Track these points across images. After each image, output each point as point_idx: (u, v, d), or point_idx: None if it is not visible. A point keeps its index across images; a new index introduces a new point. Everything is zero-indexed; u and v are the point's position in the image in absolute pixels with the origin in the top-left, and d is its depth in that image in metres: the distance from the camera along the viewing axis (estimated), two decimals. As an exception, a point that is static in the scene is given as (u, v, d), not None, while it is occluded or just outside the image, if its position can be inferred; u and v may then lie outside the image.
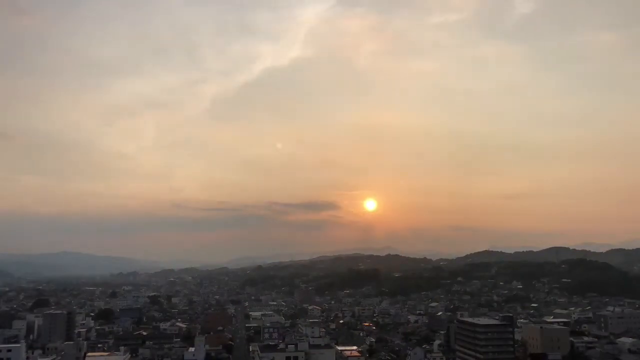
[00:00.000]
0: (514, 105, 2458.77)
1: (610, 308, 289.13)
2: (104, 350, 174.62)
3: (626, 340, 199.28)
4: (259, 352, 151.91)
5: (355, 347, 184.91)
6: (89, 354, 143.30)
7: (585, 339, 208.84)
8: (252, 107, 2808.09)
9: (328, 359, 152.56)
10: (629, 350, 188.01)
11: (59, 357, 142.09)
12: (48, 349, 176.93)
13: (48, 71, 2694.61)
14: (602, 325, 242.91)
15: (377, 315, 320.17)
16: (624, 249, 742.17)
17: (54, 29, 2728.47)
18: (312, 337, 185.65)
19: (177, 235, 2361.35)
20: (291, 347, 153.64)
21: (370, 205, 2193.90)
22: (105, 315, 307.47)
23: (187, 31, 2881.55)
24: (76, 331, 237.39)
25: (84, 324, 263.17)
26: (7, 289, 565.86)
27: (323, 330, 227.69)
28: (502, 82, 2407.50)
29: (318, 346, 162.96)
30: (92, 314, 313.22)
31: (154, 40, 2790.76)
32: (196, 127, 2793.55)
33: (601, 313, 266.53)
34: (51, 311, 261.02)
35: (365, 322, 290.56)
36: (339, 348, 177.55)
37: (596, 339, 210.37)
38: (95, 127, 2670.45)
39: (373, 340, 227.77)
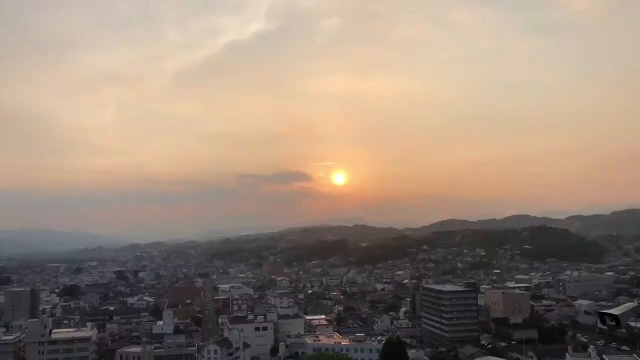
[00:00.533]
0: (486, 73, 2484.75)
1: (568, 272, 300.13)
2: (70, 327, 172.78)
3: (583, 302, 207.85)
4: (229, 323, 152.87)
5: (323, 316, 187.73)
6: (55, 330, 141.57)
7: (545, 302, 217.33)
8: (216, 81, 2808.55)
9: (297, 329, 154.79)
10: (585, 312, 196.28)
11: (24, 335, 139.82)
12: (12, 326, 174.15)
13: (5, 46, 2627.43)
14: (561, 289, 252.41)
15: (344, 285, 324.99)
16: (582, 215, 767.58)
17: (11, 3, 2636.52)
18: (281, 308, 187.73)
19: (143, 209, 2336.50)
20: (260, 318, 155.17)
21: (339, 175, 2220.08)
22: (70, 292, 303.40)
23: (147, 6, 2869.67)
24: (41, 308, 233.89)
25: (48, 300, 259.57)
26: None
27: (292, 300, 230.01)
28: (476, 49, 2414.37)
29: (287, 316, 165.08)
30: (57, 291, 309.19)
31: (113, 15, 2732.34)
32: (160, 101, 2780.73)
33: (560, 277, 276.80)
34: (14, 289, 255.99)
35: (334, 292, 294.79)
36: (308, 317, 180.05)
37: (555, 302, 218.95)
38: (55, 102, 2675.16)
39: (341, 309, 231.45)
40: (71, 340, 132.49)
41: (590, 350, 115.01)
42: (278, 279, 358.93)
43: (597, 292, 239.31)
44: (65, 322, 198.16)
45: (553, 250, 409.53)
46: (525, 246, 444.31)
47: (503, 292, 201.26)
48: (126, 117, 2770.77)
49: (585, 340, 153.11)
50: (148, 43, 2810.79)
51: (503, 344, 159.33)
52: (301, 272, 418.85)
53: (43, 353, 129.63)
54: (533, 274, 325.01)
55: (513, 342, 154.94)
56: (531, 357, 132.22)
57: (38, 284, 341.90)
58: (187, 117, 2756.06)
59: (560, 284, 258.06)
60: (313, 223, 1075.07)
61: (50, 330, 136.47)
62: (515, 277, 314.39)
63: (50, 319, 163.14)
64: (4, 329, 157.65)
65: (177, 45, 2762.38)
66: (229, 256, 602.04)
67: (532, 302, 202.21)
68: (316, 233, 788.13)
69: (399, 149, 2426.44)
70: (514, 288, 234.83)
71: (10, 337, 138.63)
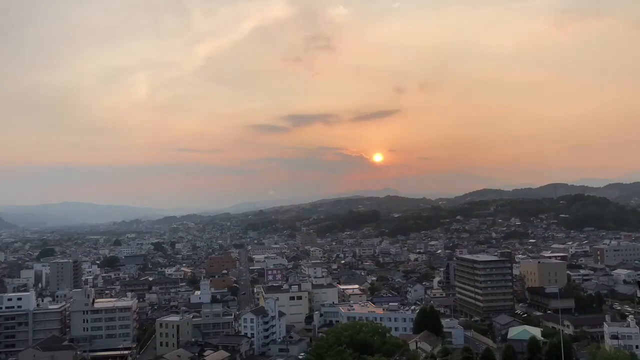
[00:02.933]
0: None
1: (607, 241, 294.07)
2: (111, 296, 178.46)
3: (621, 272, 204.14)
4: (264, 293, 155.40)
5: (357, 286, 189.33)
6: (97, 300, 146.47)
7: (582, 271, 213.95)
8: (246, 62, 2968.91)
9: (331, 298, 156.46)
10: (624, 281, 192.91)
11: (69, 304, 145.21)
12: (57, 296, 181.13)
13: (50, 38, 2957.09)
14: (599, 258, 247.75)
15: (377, 255, 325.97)
16: (622, 183, 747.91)
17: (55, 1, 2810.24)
18: (315, 278, 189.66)
19: (178, 184, 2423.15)
20: (295, 287, 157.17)
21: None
22: (110, 263, 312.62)
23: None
24: (83, 278, 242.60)
25: (90, 271, 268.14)
26: (12, 239, 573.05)
27: (325, 270, 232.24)
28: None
29: (321, 286, 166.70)
30: (98, 262, 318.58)
31: (147, 8, 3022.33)
32: (193, 83, 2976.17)
33: (598, 246, 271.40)
34: (58, 260, 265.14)
35: (366, 262, 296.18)
36: (341, 287, 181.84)
37: (592, 272, 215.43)
38: (95, 87, 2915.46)
39: (374, 279, 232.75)
40: (113, 310, 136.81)
41: (629, 319, 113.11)
42: (311, 249, 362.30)
43: (636, 262, 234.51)
44: (107, 292, 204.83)
45: (591, 219, 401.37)
46: (562, 215, 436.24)
47: (539, 262, 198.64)
48: (161, 99, 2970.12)
49: (624, 309, 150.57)
50: (179, 31, 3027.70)
51: (538, 313, 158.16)
52: (334, 243, 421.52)
53: (87, 321, 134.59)
54: (570, 243, 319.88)
55: (549, 312, 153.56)
56: (567, 326, 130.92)
57: (80, 255, 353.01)
58: (220, 97, 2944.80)
59: (598, 253, 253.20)
60: (345, 194, 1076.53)
61: (93, 300, 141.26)
62: (551, 246, 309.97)
63: (93, 289, 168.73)
64: (49, 299, 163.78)
65: (206, 33, 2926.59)
66: (262, 227, 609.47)
67: (568, 272, 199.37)
68: (347, 204, 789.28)
69: (436, 118, 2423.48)
70: (549, 257, 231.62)
71: (56, 306, 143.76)
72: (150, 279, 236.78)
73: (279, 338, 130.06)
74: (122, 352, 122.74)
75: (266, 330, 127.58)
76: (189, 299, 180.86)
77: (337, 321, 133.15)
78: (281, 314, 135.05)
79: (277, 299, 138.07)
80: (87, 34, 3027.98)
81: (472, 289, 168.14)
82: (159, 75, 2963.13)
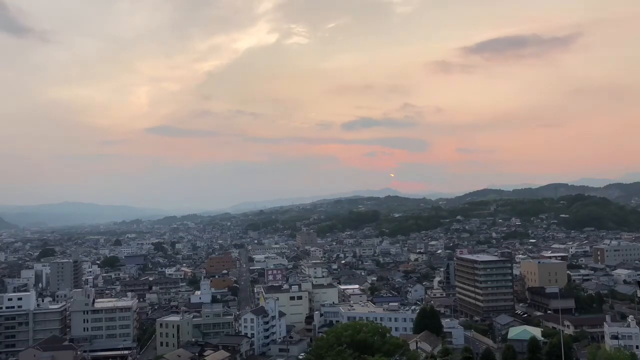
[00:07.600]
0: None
1: (607, 241, 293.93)
2: (111, 296, 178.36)
3: (622, 272, 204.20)
4: (264, 293, 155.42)
5: (357, 286, 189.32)
6: (98, 300, 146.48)
7: (582, 271, 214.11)
8: (241, 77, 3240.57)
9: (331, 298, 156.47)
10: (624, 281, 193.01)
11: (69, 304, 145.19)
12: (58, 296, 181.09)
13: (63, 63, 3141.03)
14: (599, 258, 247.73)
15: (377, 255, 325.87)
16: (622, 184, 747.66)
17: (64, 28, 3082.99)
18: (315, 278, 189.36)
19: (177, 184, 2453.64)
20: (295, 287, 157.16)
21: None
22: (110, 263, 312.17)
23: (180, 24, 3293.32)
24: (83, 278, 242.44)
25: (90, 271, 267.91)
26: (12, 239, 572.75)
27: (325, 270, 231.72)
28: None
29: (321, 286, 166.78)
30: (98, 262, 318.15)
31: (153, 33, 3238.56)
32: (196, 97, 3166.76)
33: (598, 246, 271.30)
34: (58, 260, 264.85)
35: (367, 262, 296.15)
36: (342, 287, 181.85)
37: (592, 272, 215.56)
38: (101, 99, 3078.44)
39: (374, 279, 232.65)
40: (113, 310, 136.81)
41: (629, 319, 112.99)
42: (312, 249, 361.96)
43: (637, 262, 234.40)
44: (107, 292, 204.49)
45: (591, 219, 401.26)
46: (562, 215, 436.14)
47: (539, 262, 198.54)
48: (164, 111, 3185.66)
49: (624, 309, 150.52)
50: (182, 52, 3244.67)
51: (538, 313, 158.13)
52: (334, 243, 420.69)
53: (87, 321, 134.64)
54: (570, 243, 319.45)
55: (549, 312, 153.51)
56: (567, 326, 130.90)
57: (80, 255, 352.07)
58: (223, 108, 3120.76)
59: (598, 253, 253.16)
60: (345, 194, 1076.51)
61: (94, 300, 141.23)
62: (552, 246, 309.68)
63: (93, 289, 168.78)
64: (50, 299, 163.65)
65: (206, 53, 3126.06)
66: (263, 227, 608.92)
67: (568, 272, 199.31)
68: (348, 204, 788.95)
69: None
70: (550, 257, 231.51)
71: (57, 306, 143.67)
72: (151, 279, 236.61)
73: (279, 338, 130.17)
74: (122, 352, 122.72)
75: (266, 330, 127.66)
76: (189, 299, 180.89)
77: (337, 321, 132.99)
78: (281, 314, 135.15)
79: (277, 299, 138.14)
80: (98, 56, 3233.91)
81: (472, 289, 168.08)
82: (162, 89, 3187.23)
